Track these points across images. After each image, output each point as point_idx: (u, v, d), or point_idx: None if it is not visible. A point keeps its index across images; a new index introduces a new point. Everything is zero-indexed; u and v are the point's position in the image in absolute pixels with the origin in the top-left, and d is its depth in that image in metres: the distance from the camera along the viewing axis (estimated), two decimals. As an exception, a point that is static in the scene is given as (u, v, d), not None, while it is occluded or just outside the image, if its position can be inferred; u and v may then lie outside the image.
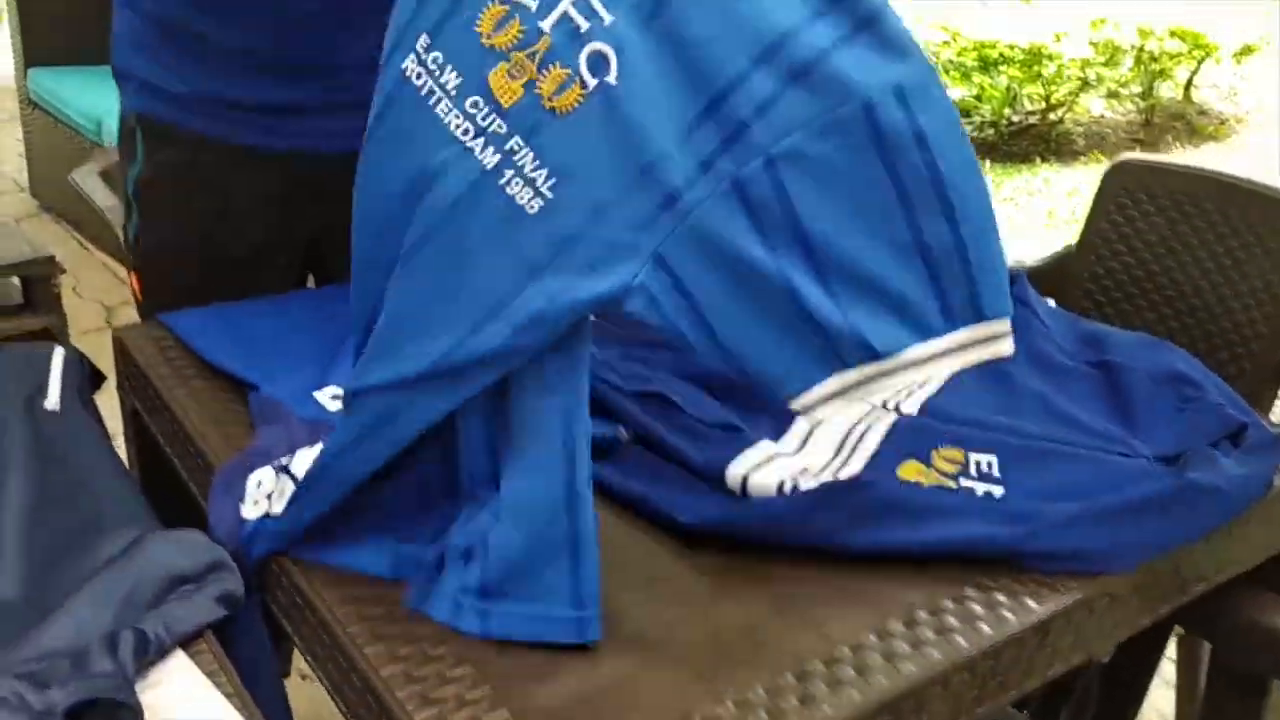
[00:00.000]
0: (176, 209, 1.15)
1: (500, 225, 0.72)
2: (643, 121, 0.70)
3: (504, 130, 0.71)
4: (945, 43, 5.49)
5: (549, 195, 0.71)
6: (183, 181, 1.14)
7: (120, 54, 1.14)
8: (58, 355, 0.96)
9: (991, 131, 5.54)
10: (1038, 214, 4.57)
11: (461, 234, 0.72)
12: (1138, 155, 1.55)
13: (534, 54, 0.70)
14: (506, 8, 0.70)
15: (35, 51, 3.53)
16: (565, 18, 0.70)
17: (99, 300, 3.06)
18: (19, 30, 3.54)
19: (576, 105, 0.70)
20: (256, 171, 1.13)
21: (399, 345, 0.74)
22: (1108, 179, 1.48)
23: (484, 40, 0.70)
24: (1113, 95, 5.78)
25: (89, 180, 1.68)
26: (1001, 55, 5.34)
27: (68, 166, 3.42)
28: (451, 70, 0.71)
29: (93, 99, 3.14)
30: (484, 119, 0.71)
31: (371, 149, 0.75)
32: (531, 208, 0.71)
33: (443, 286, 0.73)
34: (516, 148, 0.71)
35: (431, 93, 0.71)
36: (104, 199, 1.62)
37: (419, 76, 0.71)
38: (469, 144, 0.71)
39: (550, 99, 0.70)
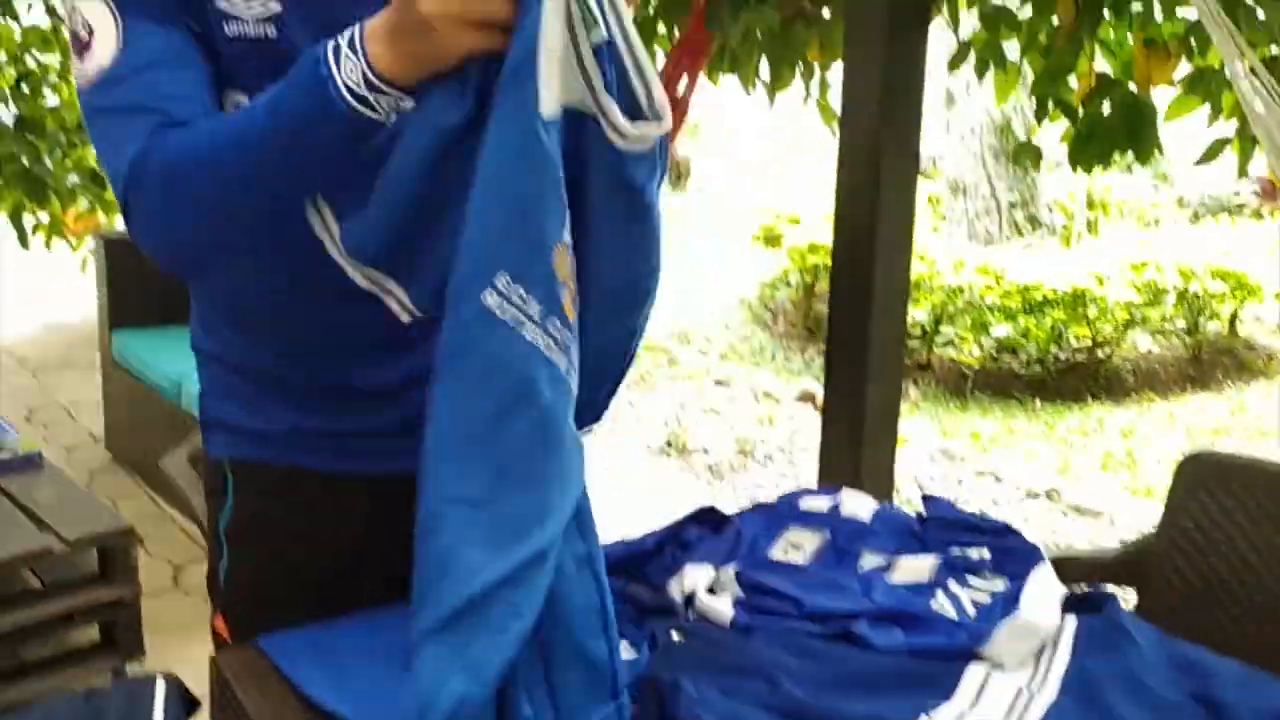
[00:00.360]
0: (268, 544, 1.18)
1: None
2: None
3: (569, 340, 0.88)
4: (988, 286, 5.62)
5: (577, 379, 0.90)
6: (272, 516, 1.18)
7: (206, 405, 1.20)
8: (159, 691, 0.98)
9: (1039, 368, 5.59)
10: (1094, 456, 4.55)
11: (561, 431, 0.87)
12: (1210, 450, 1.56)
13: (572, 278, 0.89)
14: (564, 245, 0.87)
15: (120, 313, 3.72)
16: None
17: (168, 559, 3.10)
18: (106, 292, 3.75)
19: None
20: (343, 496, 1.17)
21: (517, 536, 0.84)
22: (1181, 472, 1.49)
23: (558, 276, 0.86)
24: (1158, 332, 5.85)
25: (180, 468, 1.74)
26: (1045, 298, 5.45)
27: (146, 424, 3.56)
28: (536, 302, 0.85)
29: (174, 361, 3.28)
30: (561, 336, 0.86)
31: (453, 381, 0.86)
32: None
33: (553, 477, 0.87)
34: (574, 353, 0.89)
35: (519, 321, 0.84)
36: (191, 486, 1.67)
37: (502, 309, 0.84)
38: (553, 358, 0.86)
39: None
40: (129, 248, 3.65)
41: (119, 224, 4.57)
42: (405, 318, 1.03)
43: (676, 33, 3.11)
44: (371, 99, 0.88)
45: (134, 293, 3.70)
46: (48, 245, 4.65)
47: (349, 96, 0.88)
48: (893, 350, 2.49)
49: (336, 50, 0.88)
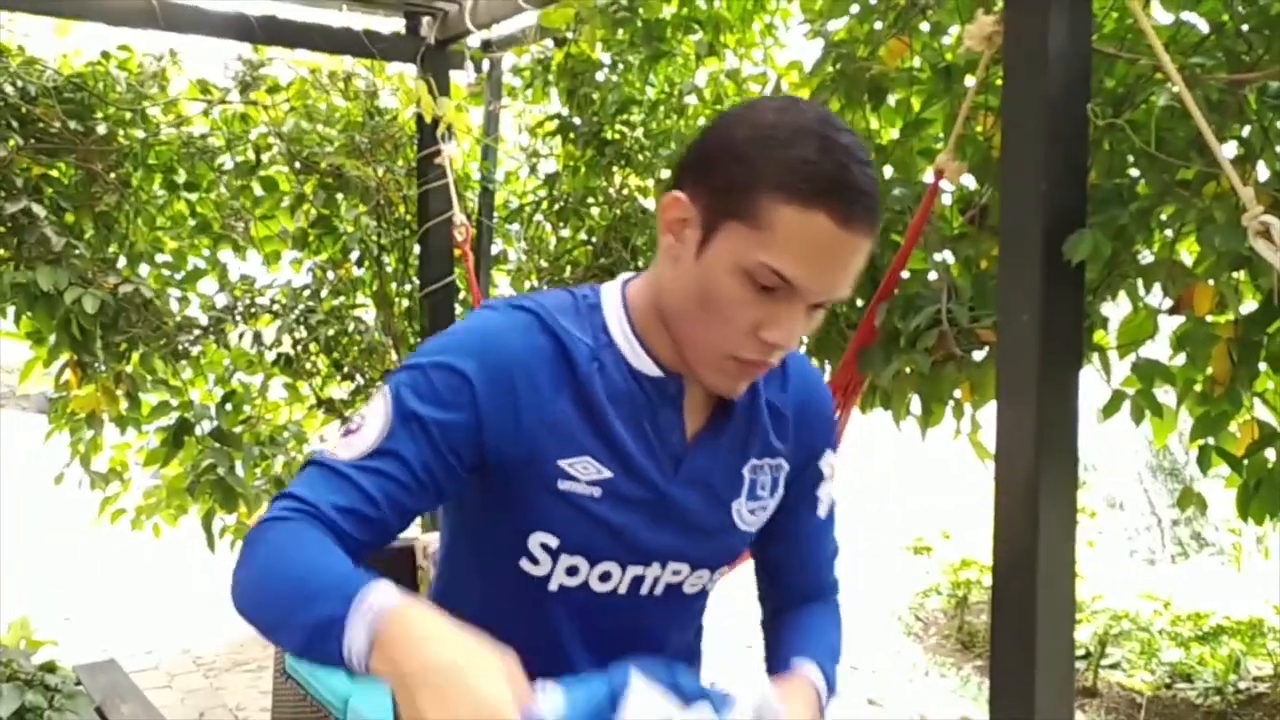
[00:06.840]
0: None
1: None
2: None
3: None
4: (1156, 612, 5.39)
5: None
6: None
7: None
8: None
9: (1218, 699, 5.24)
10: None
11: None
12: None
13: None
14: None
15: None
16: None
17: None
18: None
19: None
20: None
21: None
22: None
23: None
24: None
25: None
26: (1219, 627, 5.19)
27: (310, 737, 3.63)
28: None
29: (344, 678, 3.39)
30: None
31: None
32: None
33: None
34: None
35: None
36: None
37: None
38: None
39: None
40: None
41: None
42: None
43: (828, 366, 3.25)
44: (352, 661, 0.97)
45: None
46: (232, 548, 4.94)
47: (344, 640, 0.97)
48: (1063, 692, 2.41)
49: (367, 612, 0.97)
